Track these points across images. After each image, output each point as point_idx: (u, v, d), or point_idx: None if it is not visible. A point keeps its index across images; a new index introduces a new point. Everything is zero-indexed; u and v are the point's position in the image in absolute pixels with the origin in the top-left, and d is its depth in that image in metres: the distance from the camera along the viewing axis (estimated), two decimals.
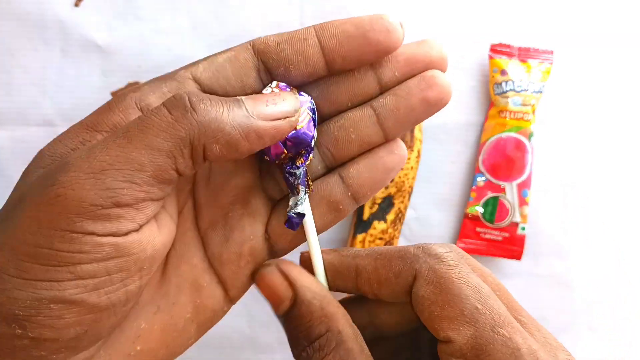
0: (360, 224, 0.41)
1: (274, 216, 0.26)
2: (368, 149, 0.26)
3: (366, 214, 0.41)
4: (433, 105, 0.24)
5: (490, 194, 0.43)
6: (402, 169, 0.26)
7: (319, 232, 0.26)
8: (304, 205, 0.25)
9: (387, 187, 0.41)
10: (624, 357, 0.44)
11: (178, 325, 0.25)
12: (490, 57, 0.42)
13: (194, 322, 0.25)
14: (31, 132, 0.42)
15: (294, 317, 0.23)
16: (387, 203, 0.41)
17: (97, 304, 0.21)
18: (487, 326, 0.21)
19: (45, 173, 0.21)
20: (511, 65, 0.42)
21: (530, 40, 0.43)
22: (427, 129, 0.43)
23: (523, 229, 0.42)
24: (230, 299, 0.26)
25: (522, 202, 0.42)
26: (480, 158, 0.43)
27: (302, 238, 0.26)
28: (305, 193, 0.25)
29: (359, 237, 0.41)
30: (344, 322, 0.23)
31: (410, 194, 0.42)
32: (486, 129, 0.43)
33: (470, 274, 0.22)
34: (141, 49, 0.42)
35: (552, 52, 0.43)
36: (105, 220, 0.20)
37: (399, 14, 0.43)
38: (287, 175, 0.25)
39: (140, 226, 0.21)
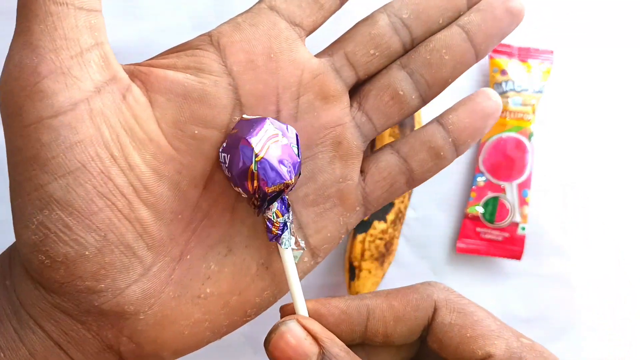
0: (360, 224, 0.41)
1: (371, 159, 0.26)
2: (463, 79, 0.26)
3: None
4: (516, 16, 0.26)
5: (490, 194, 0.43)
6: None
7: (421, 180, 0.26)
8: (286, 257, 0.23)
9: None
10: (624, 357, 0.44)
11: (251, 269, 0.24)
12: (490, 57, 0.42)
13: (269, 270, 0.24)
14: None
15: None
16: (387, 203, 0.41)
17: (71, 202, 0.20)
18: (512, 337, 0.23)
19: None
20: (511, 65, 0.42)
21: (530, 40, 0.43)
22: None
23: (523, 229, 0.42)
24: (312, 250, 0.25)
25: (522, 202, 0.42)
26: (480, 158, 0.43)
27: (402, 188, 0.26)
28: (282, 244, 0.23)
29: (359, 237, 0.41)
30: None
31: (410, 194, 0.42)
32: None
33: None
34: (141, 49, 0.42)
35: (552, 52, 0.43)
36: (36, 100, 0.20)
37: None
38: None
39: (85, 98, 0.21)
